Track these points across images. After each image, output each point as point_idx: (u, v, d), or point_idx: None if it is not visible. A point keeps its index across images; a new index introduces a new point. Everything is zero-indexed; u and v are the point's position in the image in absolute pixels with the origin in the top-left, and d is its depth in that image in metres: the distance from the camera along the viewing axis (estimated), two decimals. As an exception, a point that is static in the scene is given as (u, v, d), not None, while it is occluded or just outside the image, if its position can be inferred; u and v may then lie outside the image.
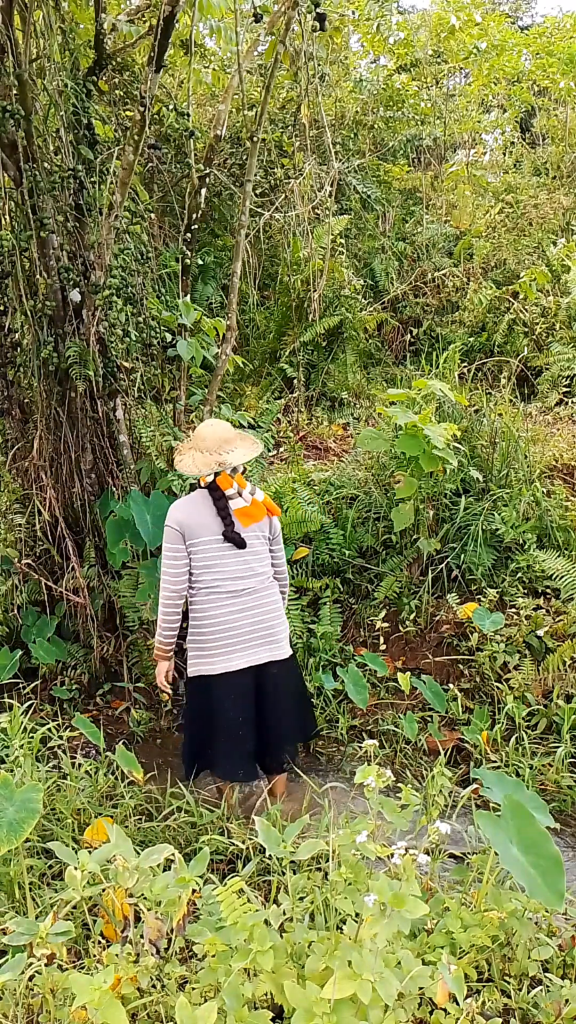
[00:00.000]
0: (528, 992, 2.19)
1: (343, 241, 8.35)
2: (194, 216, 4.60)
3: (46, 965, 2.01)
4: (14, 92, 3.63)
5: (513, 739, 3.73)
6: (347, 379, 7.77)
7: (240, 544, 3.16)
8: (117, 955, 1.97)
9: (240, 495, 3.20)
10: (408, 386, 4.91)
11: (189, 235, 4.62)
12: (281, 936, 1.99)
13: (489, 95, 10.81)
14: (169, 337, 4.37)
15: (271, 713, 3.27)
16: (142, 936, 2.03)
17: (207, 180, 4.61)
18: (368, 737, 4.01)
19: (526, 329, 7.83)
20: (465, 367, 6.45)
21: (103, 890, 2.14)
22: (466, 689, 4.17)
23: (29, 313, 3.96)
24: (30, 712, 3.68)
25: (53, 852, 2.19)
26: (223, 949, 1.88)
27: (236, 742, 3.22)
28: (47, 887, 2.66)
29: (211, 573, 3.16)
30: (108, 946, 2.14)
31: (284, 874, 2.30)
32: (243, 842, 2.87)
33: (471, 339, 8.02)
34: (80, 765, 3.41)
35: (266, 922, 1.92)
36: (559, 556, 4.34)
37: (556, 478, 5.02)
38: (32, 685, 4.11)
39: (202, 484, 3.23)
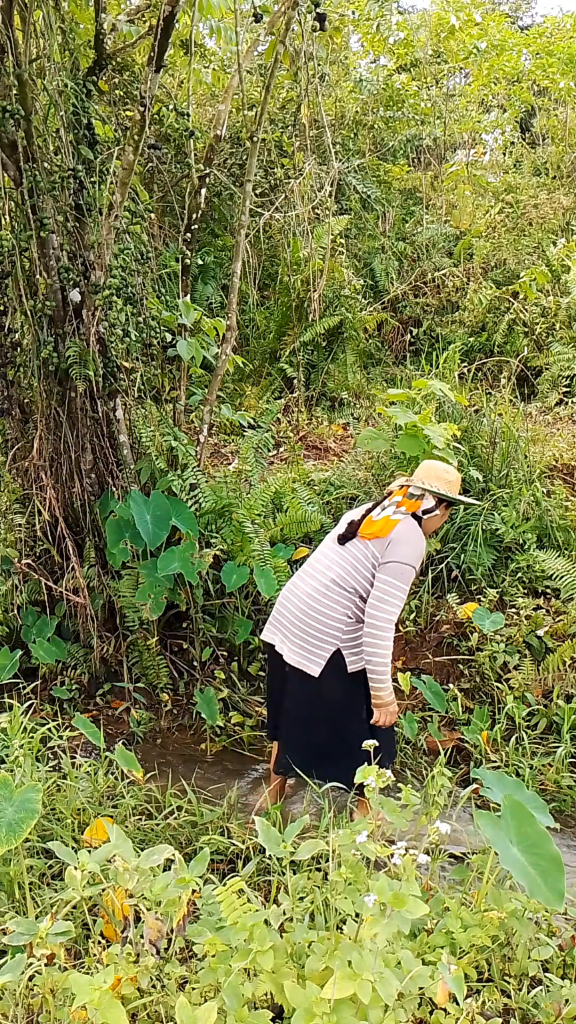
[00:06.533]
0: (528, 992, 2.19)
1: (343, 241, 8.35)
2: (194, 216, 4.60)
3: (46, 965, 2.00)
4: (14, 92, 3.63)
5: (513, 739, 3.73)
6: (347, 379, 7.77)
7: (343, 538, 3.13)
8: (117, 955, 1.97)
9: (384, 508, 3.13)
10: (408, 386, 4.91)
11: (189, 235, 4.62)
12: (281, 936, 1.98)
13: (489, 95, 10.82)
14: (169, 337, 4.37)
15: (283, 708, 3.23)
16: (142, 936, 2.03)
17: (207, 180, 4.61)
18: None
19: (526, 329, 7.83)
20: (465, 367, 6.45)
21: (103, 890, 2.14)
22: (466, 689, 4.17)
23: (29, 313, 3.96)
24: (30, 712, 3.68)
25: (53, 852, 2.19)
26: (223, 949, 1.88)
27: (268, 704, 3.48)
28: (47, 887, 2.66)
29: None
30: (108, 946, 2.13)
31: (284, 874, 2.30)
32: (243, 842, 2.87)
33: (471, 339, 8.02)
34: (80, 765, 3.41)
35: (266, 922, 1.92)
36: (559, 556, 4.35)
37: (556, 478, 5.02)
38: (32, 685, 4.11)
39: None
